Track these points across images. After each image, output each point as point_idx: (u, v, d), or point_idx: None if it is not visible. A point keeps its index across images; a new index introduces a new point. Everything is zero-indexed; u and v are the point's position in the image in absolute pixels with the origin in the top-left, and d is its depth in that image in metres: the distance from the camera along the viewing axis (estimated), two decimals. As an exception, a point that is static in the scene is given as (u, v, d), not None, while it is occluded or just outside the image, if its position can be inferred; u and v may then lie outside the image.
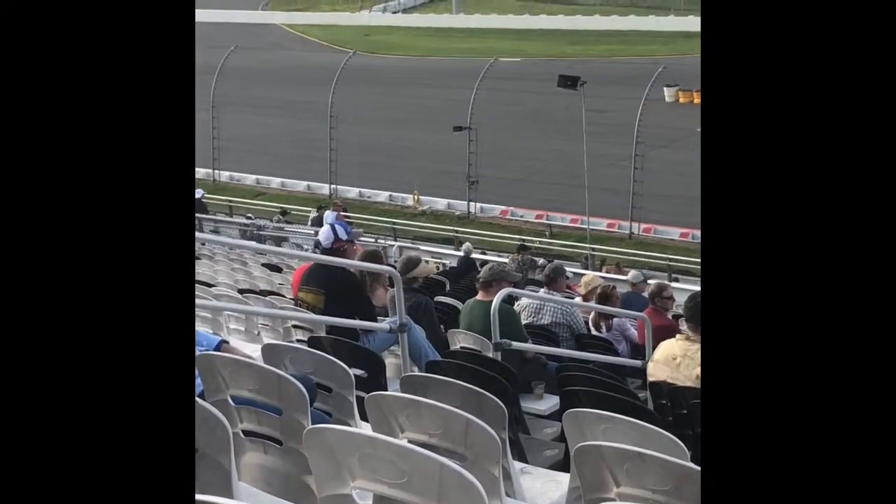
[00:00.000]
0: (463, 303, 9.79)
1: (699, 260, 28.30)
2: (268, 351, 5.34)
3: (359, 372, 5.90)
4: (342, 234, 8.40)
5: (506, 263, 18.11)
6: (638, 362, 9.37)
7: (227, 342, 4.90)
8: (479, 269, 10.91)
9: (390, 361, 7.50)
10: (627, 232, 34.42)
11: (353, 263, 8.04)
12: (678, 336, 6.97)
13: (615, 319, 11.29)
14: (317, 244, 10.28)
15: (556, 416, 6.98)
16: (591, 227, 32.91)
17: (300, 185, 42.27)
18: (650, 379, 6.93)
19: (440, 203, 39.12)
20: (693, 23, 66.57)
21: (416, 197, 39.17)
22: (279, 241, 27.84)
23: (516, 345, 7.90)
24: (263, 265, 17.37)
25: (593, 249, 31.59)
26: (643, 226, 34.24)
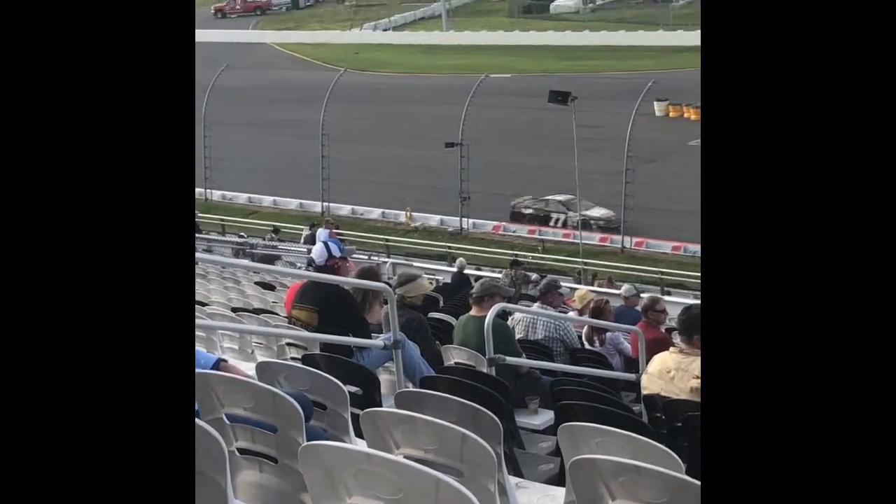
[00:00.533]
0: (457, 318, 9.79)
1: (691, 273, 28.41)
2: (262, 369, 5.34)
3: (353, 389, 5.89)
4: (335, 252, 8.41)
5: (499, 279, 18.13)
6: (632, 376, 9.37)
7: (224, 360, 4.89)
8: (473, 284, 10.91)
9: (385, 378, 7.50)
10: (619, 246, 34.45)
11: (348, 281, 8.04)
12: (672, 349, 6.97)
13: (608, 333, 11.29)
14: (310, 262, 10.28)
15: (550, 430, 6.98)
16: (583, 241, 32.94)
17: (292, 203, 42.26)
18: (644, 392, 6.94)
19: (433, 219, 39.15)
20: (682, 37, 66.73)
21: (408, 213, 39.17)
22: (272, 259, 27.81)
23: (510, 360, 7.90)
24: (256, 283, 17.35)
25: (586, 264, 31.62)
26: (635, 240, 34.29)
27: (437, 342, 9.16)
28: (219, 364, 4.67)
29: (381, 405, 6.05)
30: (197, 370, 4.50)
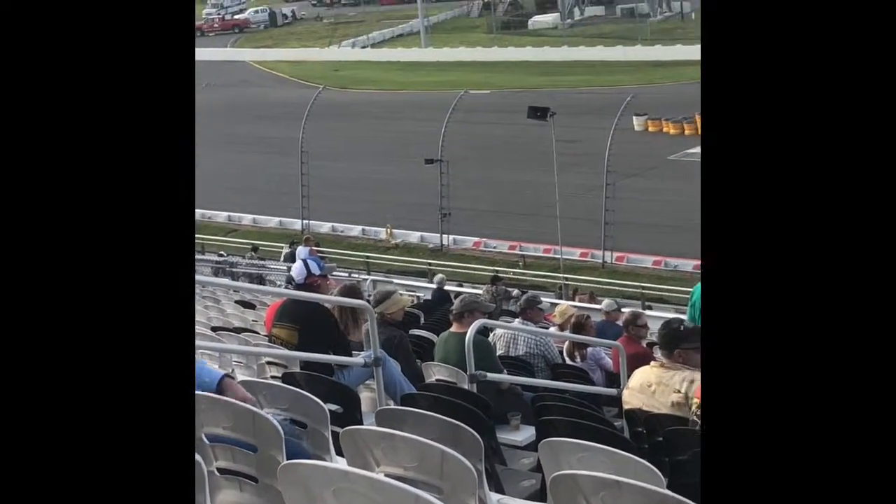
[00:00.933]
0: (437, 335, 9.78)
1: (672, 287, 28.47)
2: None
3: (334, 407, 5.88)
4: (315, 270, 8.39)
5: (479, 295, 18.12)
6: (613, 391, 9.38)
7: (230, 376, 4.80)
8: (453, 301, 10.91)
9: (365, 396, 7.48)
10: (600, 261, 34.49)
11: (328, 298, 8.03)
12: (653, 363, 6.98)
13: (589, 348, 11.30)
14: (290, 280, 10.26)
15: (532, 446, 6.97)
16: (563, 256, 32.96)
17: (272, 221, 42.21)
18: (626, 407, 6.94)
19: (413, 236, 39.13)
20: (660, 52, 67.05)
21: (388, 230, 39.16)
22: (252, 277, 27.75)
23: (491, 376, 7.89)
24: (237, 302, 17.31)
25: (567, 279, 31.64)
26: (616, 254, 34.34)
27: (418, 359, 9.15)
28: (223, 380, 4.60)
29: (361, 423, 6.04)
30: (205, 385, 4.47)
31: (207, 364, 5.00)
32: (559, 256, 32.97)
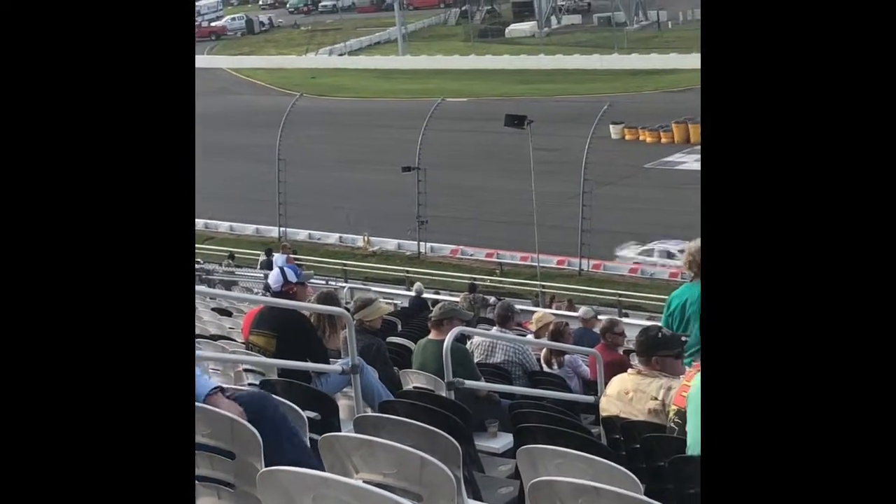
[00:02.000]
0: (415, 342, 9.78)
1: (648, 295, 28.55)
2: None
3: (312, 414, 5.87)
4: (292, 277, 8.38)
5: (457, 302, 18.13)
6: (590, 398, 9.40)
7: (221, 389, 4.72)
8: (431, 308, 10.91)
9: (343, 403, 7.47)
10: (577, 268, 34.56)
11: (306, 306, 8.02)
12: (630, 371, 7.00)
13: (567, 356, 11.32)
14: (266, 287, 10.25)
15: (510, 453, 6.98)
16: (541, 264, 33.02)
17: (249, 229, 42.10)
18: (603, 414, 6.95)
19: (390, 243, 39.12)
20: (637, 61, 67.29)
21: (366, 238, 39.13)
22: (229, 285, 27.68)
23: (469, 383, 7.90)
24: (213, 310, 17.26)
25: (544, 287, 31.69)
26: (592, 262, 34.41)
27: (396, 367, 9.15)
28: (212, 395, 4.53)
29: (339, 430, 6.03)
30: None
31: (203, 375, 4.96)
32: (536, 264, 33.03)
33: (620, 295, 30.24)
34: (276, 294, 8.34)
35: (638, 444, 6.15)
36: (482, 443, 7.63)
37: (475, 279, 29.83)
